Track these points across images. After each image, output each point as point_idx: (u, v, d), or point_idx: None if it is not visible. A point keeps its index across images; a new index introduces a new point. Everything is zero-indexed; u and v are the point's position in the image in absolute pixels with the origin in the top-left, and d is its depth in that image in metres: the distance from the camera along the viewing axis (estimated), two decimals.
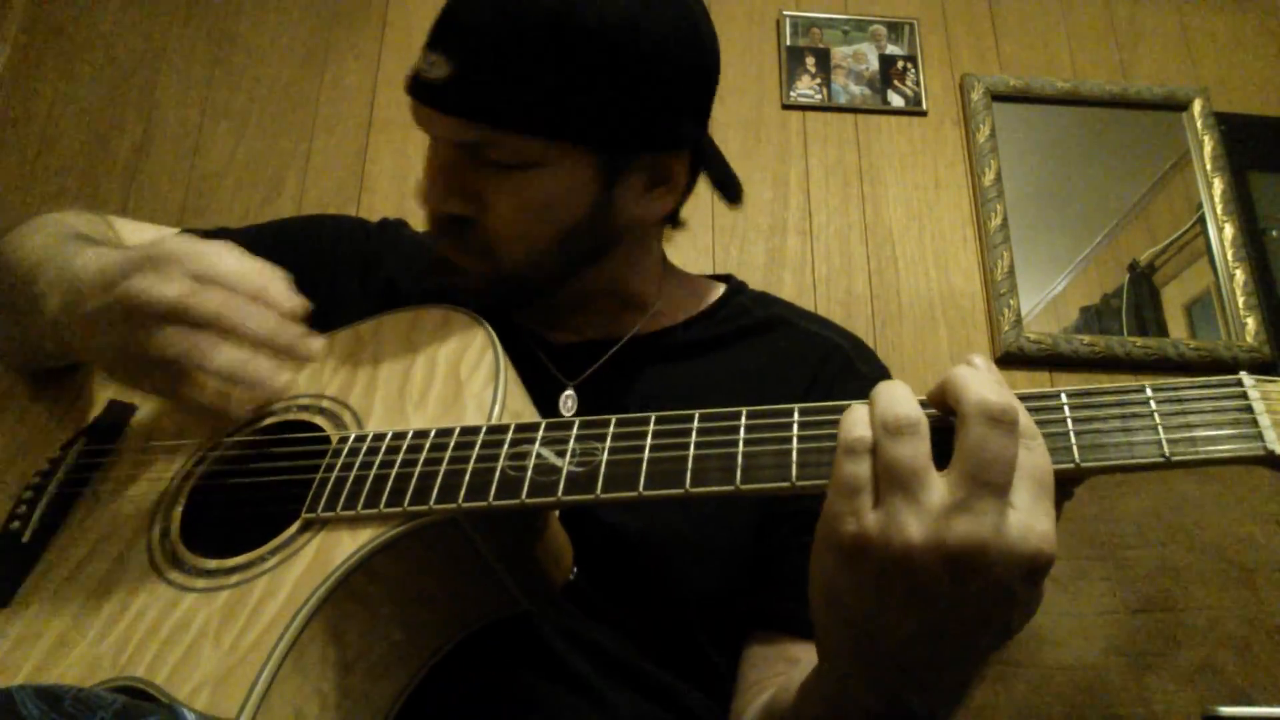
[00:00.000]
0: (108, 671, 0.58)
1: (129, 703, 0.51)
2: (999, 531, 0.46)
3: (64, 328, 0.69)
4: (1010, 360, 2.07)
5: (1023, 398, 0.52)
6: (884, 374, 0.90)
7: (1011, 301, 2.09)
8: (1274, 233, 2.20)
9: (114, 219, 0.97)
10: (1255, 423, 0.48)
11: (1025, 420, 0.48)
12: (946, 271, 2.16)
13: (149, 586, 0.63)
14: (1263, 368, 2.09)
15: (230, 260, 0.64)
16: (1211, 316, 2.14)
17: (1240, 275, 2.14)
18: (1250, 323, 2.10)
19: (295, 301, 0.66)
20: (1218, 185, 2.22)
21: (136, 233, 0.97)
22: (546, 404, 0.81)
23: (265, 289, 0.65)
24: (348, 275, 0.94)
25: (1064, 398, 0.52)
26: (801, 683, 0.62)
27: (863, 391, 0.86)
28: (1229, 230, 2.18)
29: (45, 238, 0.81)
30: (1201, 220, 2.21)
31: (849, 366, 0.88)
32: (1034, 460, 0.48)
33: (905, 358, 2.06)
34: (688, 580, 0.78)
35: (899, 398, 0.50)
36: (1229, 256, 2.16)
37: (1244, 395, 0.49)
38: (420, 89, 0.77)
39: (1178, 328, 2.15)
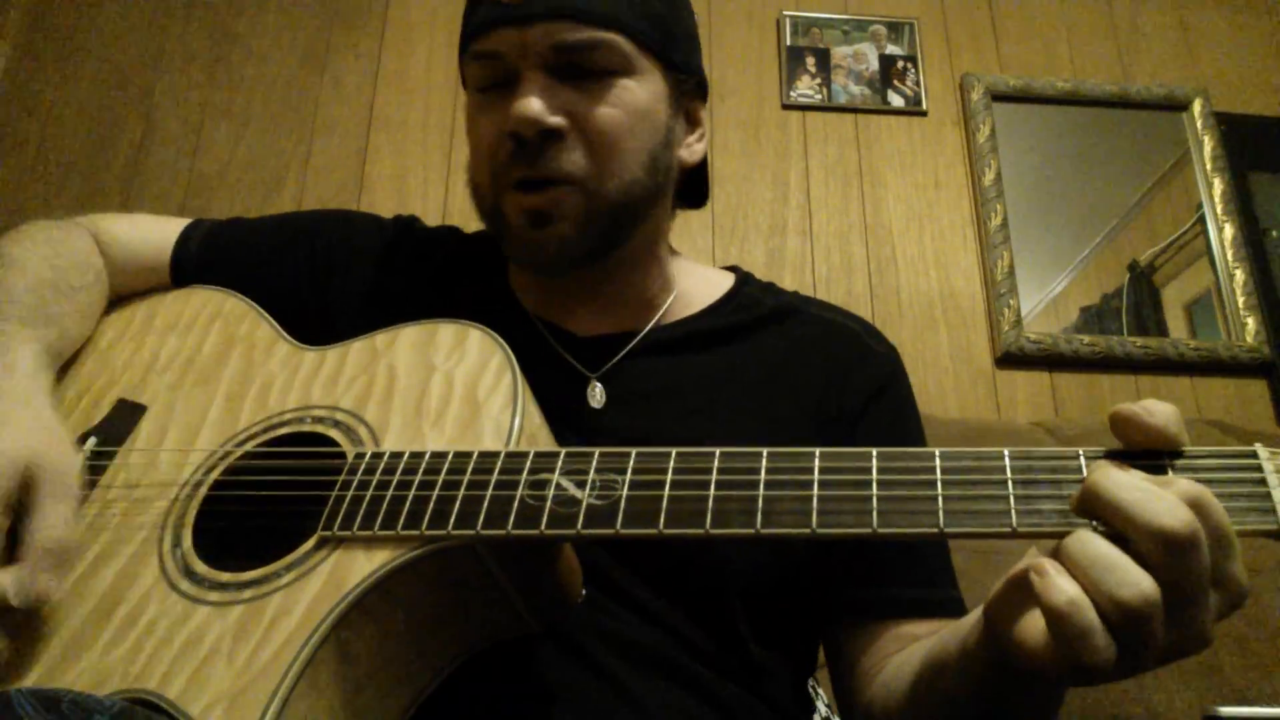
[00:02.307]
0: (118, 683, 0.57)
1: (126, 708, 0.51)
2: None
3: None
4: (1010, 360, 2.07)
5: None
6: (893, 351, 0.95)
7: (1011, 301, 2.09)
8: (1274, 233, 2.20)
9: (105, 224, 0.96)
10: (1269, 496, 0.49)
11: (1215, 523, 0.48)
12: (946, 271, 2.16)
13: (160, 597, 0.62)
14: (1262, 368, 2.09)
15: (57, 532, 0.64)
16: (1211, 316, 2.15)
17: (1240, 275, 2.14)
18: (1250, 323, 2.11)
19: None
20: (1218, 185, 2.22)
21: (132, 229, 0.96)
22: (574, 397, 0.83)
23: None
24: (363, 272, 0.94)
25: (1082, 458, 0.52)
26: (962, 640, 0.61)
27: (878, 370, 0.90)
28: (1229, 230, 2.18)
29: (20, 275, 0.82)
30: (1201, 220, 2.21)
31: (863, 345, 0.92)
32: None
33: (905, 358, 2.02)
34: (728, 564, 0.78)
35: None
36: (1229, 256, 2.17)
37: (1259, 468, 0.49)
38: (512, 7, 0.79)
39: (1178, 328, 2.15)
